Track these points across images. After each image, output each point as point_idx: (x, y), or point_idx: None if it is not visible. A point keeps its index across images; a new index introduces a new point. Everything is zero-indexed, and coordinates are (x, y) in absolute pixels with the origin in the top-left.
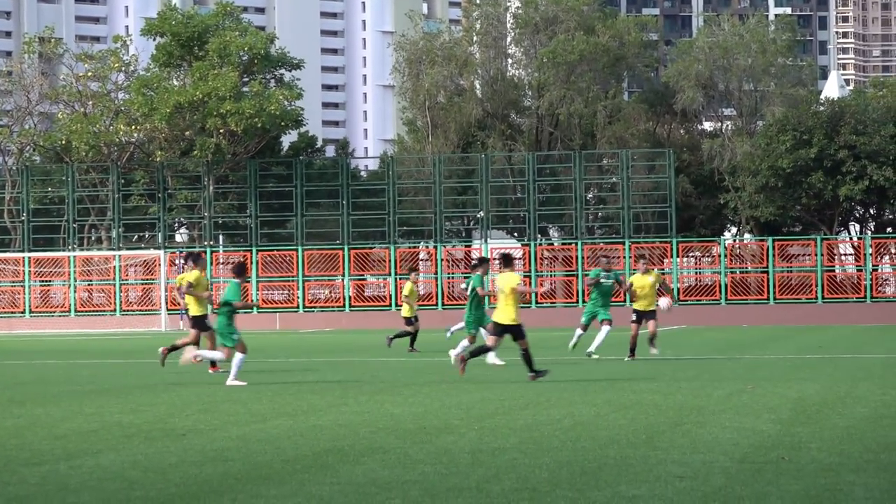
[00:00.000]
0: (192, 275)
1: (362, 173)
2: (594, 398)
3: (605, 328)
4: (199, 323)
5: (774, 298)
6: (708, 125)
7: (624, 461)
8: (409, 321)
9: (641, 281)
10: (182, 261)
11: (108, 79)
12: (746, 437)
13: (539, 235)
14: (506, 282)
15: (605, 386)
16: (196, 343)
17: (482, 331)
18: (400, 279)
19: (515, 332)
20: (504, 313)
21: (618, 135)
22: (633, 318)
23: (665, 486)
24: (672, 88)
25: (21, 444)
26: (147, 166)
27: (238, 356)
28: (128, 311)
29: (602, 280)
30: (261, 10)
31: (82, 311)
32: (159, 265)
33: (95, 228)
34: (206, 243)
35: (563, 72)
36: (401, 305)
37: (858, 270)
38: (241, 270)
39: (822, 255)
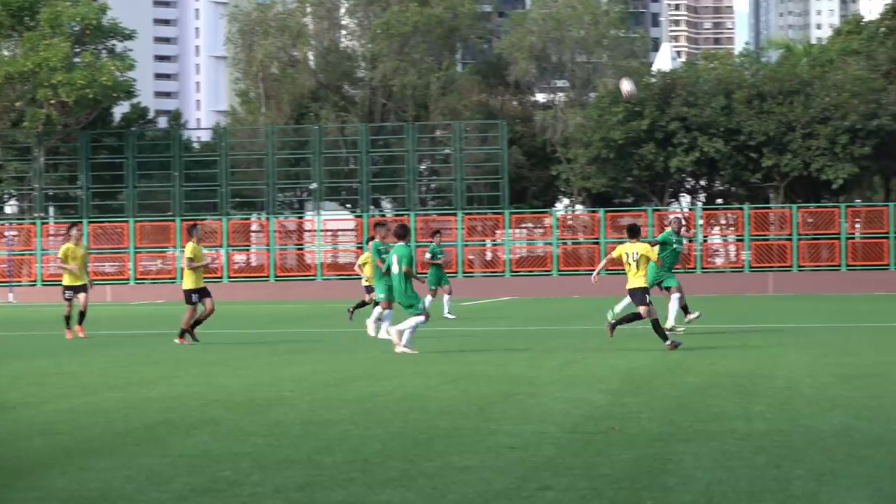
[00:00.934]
0: (188, 248)
1: (195, 145)
2: (426, 369)
3: (676, 296)
4: (190, 297)
5: (606, 270)
6: (541, 97)
7: (455, 432)
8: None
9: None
10: (67, 231)
11: None
12: (577, 408)
13: (372, 207)
14: (638, 249)
15: (437, 357)
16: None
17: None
18: (231, 250)
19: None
20: (639, 279)
21: (451, 106)
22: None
23: (496, 457)
24: (505, 60)
25: None
26: None
27: (417, 319)
28: None
29: (675, 245)
30: None
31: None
32: None
33: None
34: (35, 215)
35: (396, 43)
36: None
37: (689, 241)
38: (405, 233)
39: (653, 226)
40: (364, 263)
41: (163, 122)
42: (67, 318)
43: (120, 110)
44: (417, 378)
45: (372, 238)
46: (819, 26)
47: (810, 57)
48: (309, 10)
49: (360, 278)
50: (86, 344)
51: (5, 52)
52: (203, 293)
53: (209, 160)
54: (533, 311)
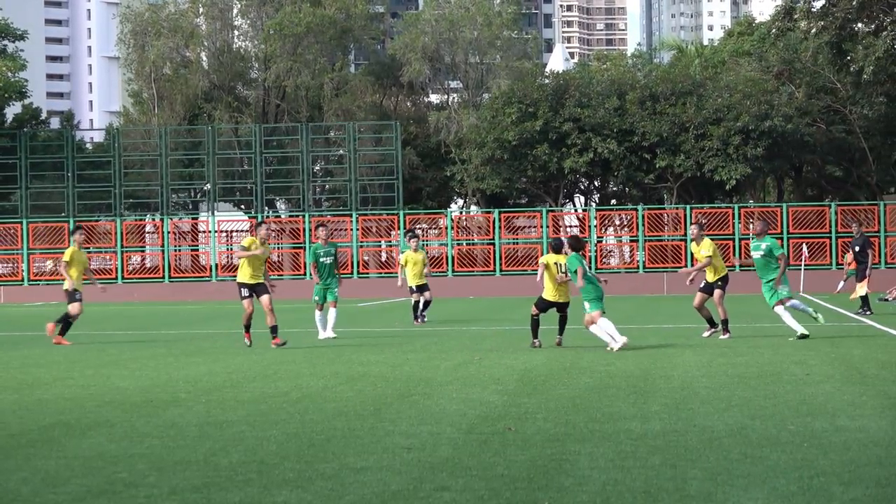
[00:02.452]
0: (246, 240)
1: (88, 145)
2: (322, 370)
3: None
4: (240, 291)
5: (501, 270)
6: (434, 98)
7: (352, 433)
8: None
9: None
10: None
11: None
12: (473, 408)
13: (266, 207)
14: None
15: (333, 358)
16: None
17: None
18: (125, 251)
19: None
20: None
21: (345, 107)
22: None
23: (393, 457)
24: (399, 61)
25: None
26: None
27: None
28: None
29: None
30: None
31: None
32: None
33: None
34: None
35: (289, 44)
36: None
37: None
38: (578, 245)
39: (547, 226)
40: (405, 264)
41: (55, 123)
42: None
43: (12, 111)
44: (313, 379)
45: (414, 235)
46: (711, 28)
47: (702, 58)
48: (201, 10)
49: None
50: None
51: None
52: (259, 289)
53: (102, 161)
54: (428, 312)
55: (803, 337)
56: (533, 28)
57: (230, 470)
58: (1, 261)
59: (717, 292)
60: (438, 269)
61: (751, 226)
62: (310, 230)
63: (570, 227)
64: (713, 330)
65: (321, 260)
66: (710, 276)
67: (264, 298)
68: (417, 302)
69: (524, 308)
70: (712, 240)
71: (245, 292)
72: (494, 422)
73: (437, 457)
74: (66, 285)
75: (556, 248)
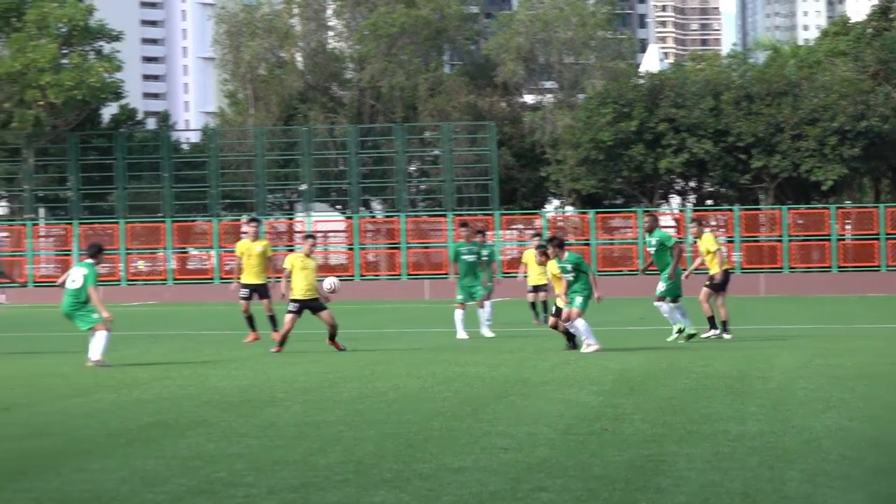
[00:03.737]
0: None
1: (184, 146)
2: (419, 371)
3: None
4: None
5: (596, 270)
6: (529, 98)
7: (449, 433)
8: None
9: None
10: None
11: None
12: (570, 409)
13: (362, 208)
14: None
15: (430, 358)
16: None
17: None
18: (222, 252)
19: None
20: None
21: (439, 107)
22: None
23: (490, 458)
24: (493, 61)
25: None
26: None
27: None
28: None
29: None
30: None
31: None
32: None
33: None
34: (26, 216)
35: (384, 44)
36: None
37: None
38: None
39: (643, 227)
40: (527, 263)
41: (151, 124)
42: None
43: (108, 111)
44: (411, 379)
45: (537, 234)
46: (806, 27)
47: (798, 58)
48: (296, 11)
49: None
50: (78, 345)
51: None
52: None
53: (198, 161)
54: (524, 313)
55: (687, 335)
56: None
57: (328, 470)
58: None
59: (704, 290)
60: None
61: (847, 227)
62: (405, 231)
63: (666, 227)
64: (713, 331)
65: (462, 258)
66: (715, 268)
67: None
68: (534, 303)
69: (620, 309)
70: (806, 241)
71: (292, 307)
72: (591, 422)
73: (534, 457)
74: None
75: (560, 245)
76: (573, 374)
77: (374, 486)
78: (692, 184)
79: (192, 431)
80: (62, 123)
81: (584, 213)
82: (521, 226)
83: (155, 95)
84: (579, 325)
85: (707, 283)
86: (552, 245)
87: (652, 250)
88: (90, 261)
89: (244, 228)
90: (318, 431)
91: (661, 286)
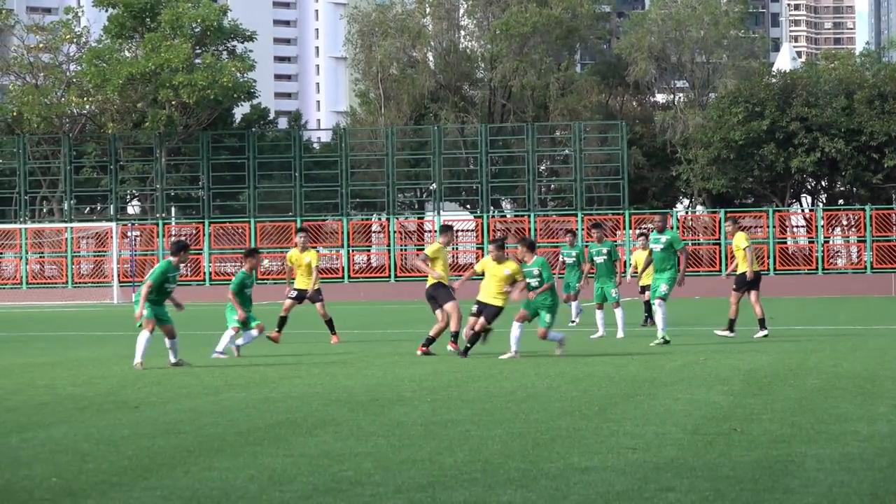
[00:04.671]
0: (432, 247)
1: (315, 145)
2: (547, 370)
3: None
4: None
5: (727, 270)
6: (660, 97)
7: (576, 433)
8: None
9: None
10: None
11: (60, 50)
12: (699, 409)
13: (492, 207)
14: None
15: (558, 358)
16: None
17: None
18: (352, 251)
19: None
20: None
21: (570, 107)
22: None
23: (617, 458)
24: (625, 60)
25: None
26: (99, 138)
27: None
28: (80, 283)
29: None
30: None
31: (34, 284)
32: (111, 237)
33: (47, 200)
34: (158, 216)
35: (515, 44)
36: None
37: (810, 242)
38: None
39: (774, 226)
40: (636, 263)
41: (283, 123)
42: None
43: (240, 111)
44: (538, 378)
45: (642, 234)
46: None
47: None
48: (428, 10)
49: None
50: (209, 344)
51: (127, 54)
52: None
53: (329, 161)
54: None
55: (665, 342)
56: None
57: (455, 469)
58: (230, 259)
59: (735, 293)
60: None
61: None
62: (535, 230)
63: (797, 227)
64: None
65: (595, 259)
66: (744, 266)
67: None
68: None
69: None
70: None
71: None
72: (720, 422)
73: (661, 457)
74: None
75: (531, 247)
76: (702, 374)
77: (501, 486)
78: (823, 183)
79: (320, 430)
80: (194, 123)
81: (714, 212)
82: (650, 225)
83: (287, 95)
84: (514, 332)
85: (735, 282)
86: (523, 245)
87: (658, 248)
88: (172, 259)
89: (295, 239)
90: (445, 430)
91: (665, 288)
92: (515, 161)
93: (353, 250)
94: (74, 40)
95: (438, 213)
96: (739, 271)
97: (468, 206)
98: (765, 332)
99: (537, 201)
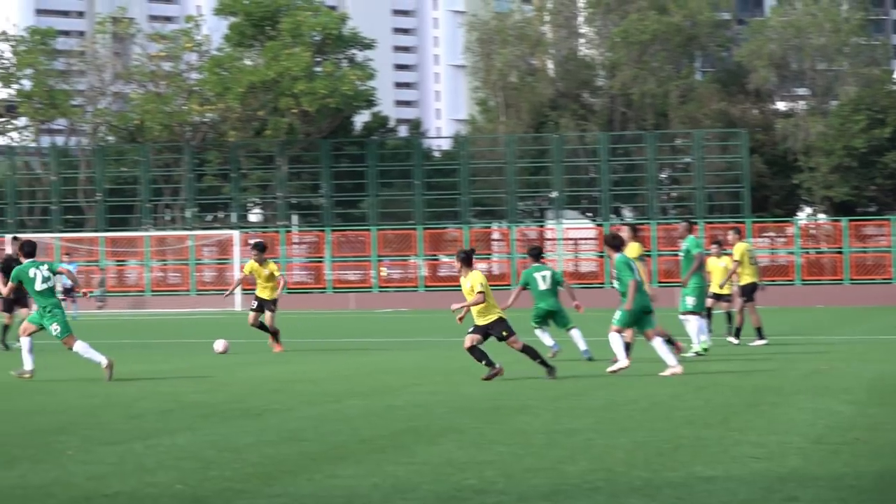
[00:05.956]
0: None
1: (435, 153)
2: (670, 379)
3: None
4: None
5: (849, 279)
6: (781, 105)
7: (699, 442)
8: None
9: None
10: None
11: (181, 59)
12: (822, 418)
13: (612, 215)
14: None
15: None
16: None
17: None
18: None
19: None
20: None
21: (690, 115)
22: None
23: (740, 467)
24: (745, 68)
25: (97, 424)
26: (220, 146)
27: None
28: (202, 290)
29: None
30: None
31: (157, 291)
32: (233, 245)
33: (169, 208)
34: (279, 223)
35: (635, 51)
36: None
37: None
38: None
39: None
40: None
41: (403, 131)
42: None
43: (361, 119)
44: (662, 387)
45: (716, 242)
46: None
47: None
48: (547, 18)
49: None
50: (331, 351)
51: (248, 62)
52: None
53: (450, 168)
54: (776, 321)
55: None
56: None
57: (578, 477)
58: (351, 267)
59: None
60: (785, 277)
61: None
62: (656, 238)
63: None
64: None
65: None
66: (746, 279)
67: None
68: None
69: (874, 318)
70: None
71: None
72: (844, 432)
73: (785, 467)
74: None
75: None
76: (826, 383)
77: (625, 494)
78: None
79: (443, 438)
80: (315, 131)
81: (836, 220)
82: (772, 233)
83: (407, 103)
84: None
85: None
86: (459, 258)
87: (681, 256)
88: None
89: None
90: (568, 439)
91: (692, 301)
92: (636, 169)
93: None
94: (195, 49)
95: (559, 222)
96: (745, 282)
97: (588, 215)
98: (736, 341)
99: (658, 209)
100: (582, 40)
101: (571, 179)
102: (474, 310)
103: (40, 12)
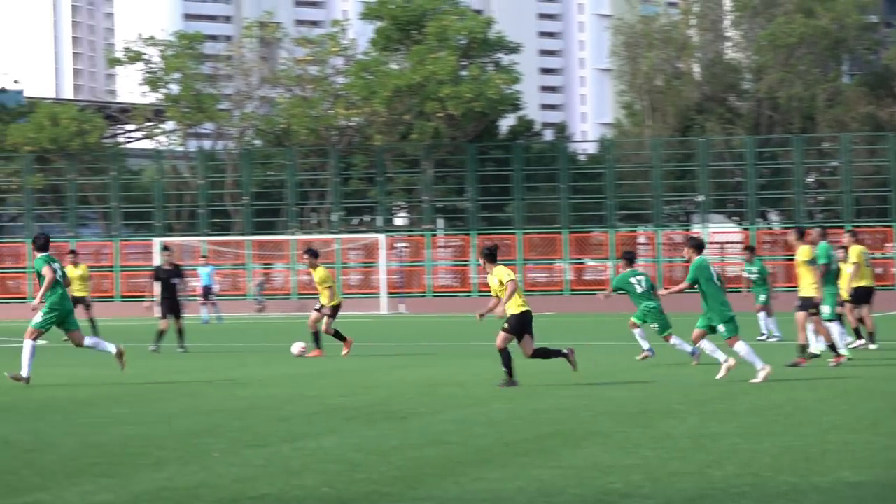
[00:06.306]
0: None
1: (580, 157)
2: (816, 383)
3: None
4: None
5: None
6: None
7: (846, 447)
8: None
9: None
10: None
11: (327, 63)
12: None
13: (759, 219)
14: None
15: (827, 371)
16: None
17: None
18: (618, 263)
19: None
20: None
21: (838, 118)
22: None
23: (889, 473)
24: (893, 71)
25: (245, 426)
26: (366, 150)
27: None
28: (348, 294)
29: None
30: None
31: (304, 294)
32: (379, 249)
33: (315, 212)
34: (424, 227)
35: (781, 55)
36: None
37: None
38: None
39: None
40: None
41: (549, 135)
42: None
43: (506, 123)
44: (807, 392)
45: (843, 247)
46: None
47: None
48: (693, 22)
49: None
50: (477, 355)
51: (394, 66)
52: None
53: (595, 172)
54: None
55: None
56: None
57: (724, 482)
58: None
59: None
60: None
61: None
62: None
63: None
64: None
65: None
66: (806, 291)
67: None
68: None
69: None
70: None
71: None
72: None
73: None
74: None
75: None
76: None
77: (771, 499)
78: None
79: (588, 442)
80: (460, 135)
81: None
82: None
83: (552, 107)
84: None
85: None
86: (483, 255)
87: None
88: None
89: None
90: (714, 443)
91: (827, 309)
92: (782, 173)
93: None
94: (341, 53)
95: (705, 226)
96: (860, 285)
97: (735, 218)
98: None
99: (805, 213)
100: (728, 43)
101: (717, 183)
102: (516, 300)
103: (188, 17)
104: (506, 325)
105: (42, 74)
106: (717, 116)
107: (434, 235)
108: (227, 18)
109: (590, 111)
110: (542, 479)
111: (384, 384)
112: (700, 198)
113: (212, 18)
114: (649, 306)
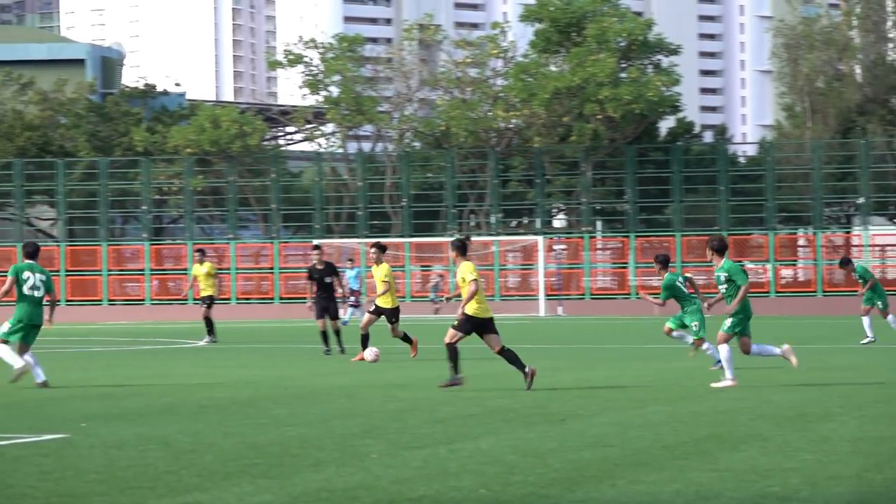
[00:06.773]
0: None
1: (740, 159)
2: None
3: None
4: None
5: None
6: None
7: None
8: None
9: None
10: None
11: (487, 65)
12: None
13: None
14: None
15: None
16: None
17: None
18: (778, 265)
19: None
20: None
21: None
22: None
23: None
24: None
25: (402, 428)
26: (525, 152)
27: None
28: (506, 296)
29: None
30: None
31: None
32: (537, 250)
33: (474, 214)
34: (583, 229)
35: None
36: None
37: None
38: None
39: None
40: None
41: (708, 137)
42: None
43: (665, 125)
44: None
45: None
46: None
47: None
48: (855, 23)
49: None
50: (637, 358)
51: (553, 68)
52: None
53: (755, 174)
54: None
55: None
56: None
57: (884, 486)
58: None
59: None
60: None
61: None
62: None
63: None
64: None
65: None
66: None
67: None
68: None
69: None
70: None
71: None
72: None
73: None
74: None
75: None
76: None
77: None
78: None
79: (747, 445)
80: (620, 137)
81: None
82: None
83: (712, 109)
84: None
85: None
86: (454, 247)
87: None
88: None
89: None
90: (874, 447)
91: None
92: None
93: (778, 264)
94: (501, 55)
95: (866, 228)
96: None
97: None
98: None
99: None
100: (890, 45)
101: (879, 185)
102: (474, 302)
103: (348, 20)
104: (456, 323)
105: (203, 77)
106: (878, 118)
107: (592, 237)
108: (388, 21)
109: (750, 113)
110: (699, 482)
111: (543, 386)
112: (861, 200)
113: (372, 21)
114: (697, 305)
